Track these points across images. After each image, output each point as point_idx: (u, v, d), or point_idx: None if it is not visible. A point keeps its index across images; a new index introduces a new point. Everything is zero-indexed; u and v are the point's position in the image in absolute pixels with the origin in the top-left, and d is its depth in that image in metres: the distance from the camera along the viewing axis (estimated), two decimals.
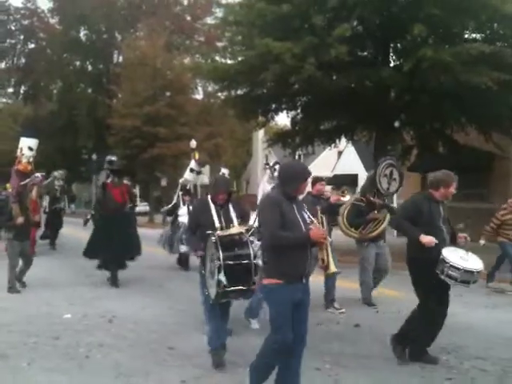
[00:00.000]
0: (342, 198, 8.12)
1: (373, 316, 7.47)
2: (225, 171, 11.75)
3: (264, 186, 8.64)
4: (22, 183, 11.15)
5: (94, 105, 38.88)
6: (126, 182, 10.73)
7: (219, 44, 22.32)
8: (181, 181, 12.50)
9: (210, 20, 38.29)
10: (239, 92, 16.43)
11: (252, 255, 4.74)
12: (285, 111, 17.37)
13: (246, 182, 49.88)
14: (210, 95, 34.76)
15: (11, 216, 8.97)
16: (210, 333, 5.29)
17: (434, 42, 13.04)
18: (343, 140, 18.84)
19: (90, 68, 43.31)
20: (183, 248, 11.16)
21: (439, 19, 12.20)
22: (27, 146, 12.77)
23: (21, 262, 9.21)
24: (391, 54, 14.88)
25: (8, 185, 19.98)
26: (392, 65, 14.55)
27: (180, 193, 12.24)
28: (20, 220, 8.86)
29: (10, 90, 45.83)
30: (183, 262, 11.83)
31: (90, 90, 42.54)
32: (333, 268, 4.61)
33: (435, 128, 15.86)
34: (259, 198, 7.91)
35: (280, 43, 12.62)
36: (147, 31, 36.73)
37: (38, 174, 11.70)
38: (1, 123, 43.99)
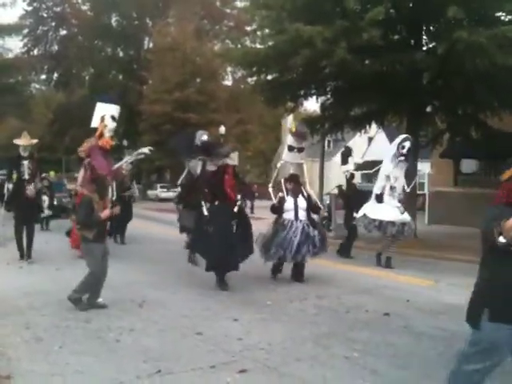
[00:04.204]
0: None
1: (403, 305, 7.36)
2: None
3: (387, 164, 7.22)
4: (103, 169, 8.79)
5: (125, 91, 39.20)
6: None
7: (248, 28, 22.19)
8: (278, 164, 9.85)
9: (239, 3, 38.28)
10: (269, 77, 16.28)
11: None
12: (314, 96, 17.18)
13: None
14: (239, 81, 34.80)
15: (91, 210, 6.67)
16: None
17: (469, 24, 12.70)
18: (373, 126, 18.56)
19: (121, 54, 43.69)
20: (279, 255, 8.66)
21: (474, 0, 11.87)
22: (110, 114, 9.57)
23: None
24: (424, 37, 14.57)
25: (52, 172, 18.86)
26: (425, 48, 14.25)
27: (282, 180, 9.28)
28: (106, 213, 6.81)
29: (43, 76, 46.59)
30: (275, 268, 9.14)
31: (121, 77, 42.92)
32: None
33: (468, 113, 15.51)
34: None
35: (311, 27, 12.44)
36: (178, 17, 36.79)
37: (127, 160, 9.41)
38: (35, 110, 44.67)
